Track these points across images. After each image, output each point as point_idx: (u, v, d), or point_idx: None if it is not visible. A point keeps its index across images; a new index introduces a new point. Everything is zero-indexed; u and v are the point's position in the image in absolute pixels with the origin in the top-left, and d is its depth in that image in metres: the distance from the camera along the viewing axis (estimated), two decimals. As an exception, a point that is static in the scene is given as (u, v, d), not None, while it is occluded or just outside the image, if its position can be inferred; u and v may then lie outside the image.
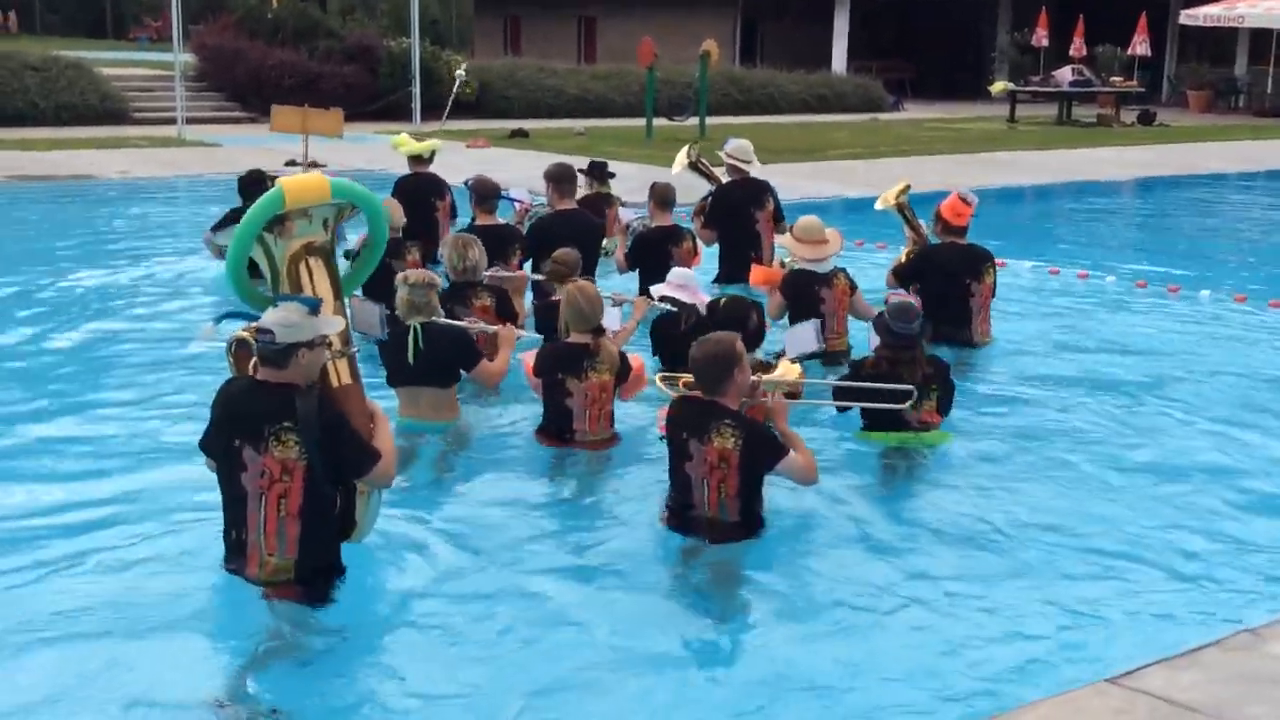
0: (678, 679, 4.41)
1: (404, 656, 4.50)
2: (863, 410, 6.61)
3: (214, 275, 10.08)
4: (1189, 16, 33.32)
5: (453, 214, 10.70)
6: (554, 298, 7.47)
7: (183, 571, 5.01)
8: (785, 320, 8.17)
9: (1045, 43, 32.20)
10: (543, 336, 7.21)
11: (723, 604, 5.00)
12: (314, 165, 14.50)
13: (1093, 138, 26.57)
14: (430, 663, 4.46)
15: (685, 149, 10.17)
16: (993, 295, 8.82)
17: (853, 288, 8.24)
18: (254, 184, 9.93)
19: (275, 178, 9.90)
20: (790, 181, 16.68)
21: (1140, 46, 31.18)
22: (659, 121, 25.78)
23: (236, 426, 4.58)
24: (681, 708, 4.23)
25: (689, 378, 5.64)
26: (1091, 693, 4.24)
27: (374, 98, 26.13)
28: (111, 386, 7.60)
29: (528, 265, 9.12)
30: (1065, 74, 30.90)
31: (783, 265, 8.72)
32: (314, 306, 4.62)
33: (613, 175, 10.92)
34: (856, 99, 34.57)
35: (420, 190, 10.47)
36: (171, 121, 22.63)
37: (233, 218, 10.17)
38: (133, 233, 12.27)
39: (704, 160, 10.85)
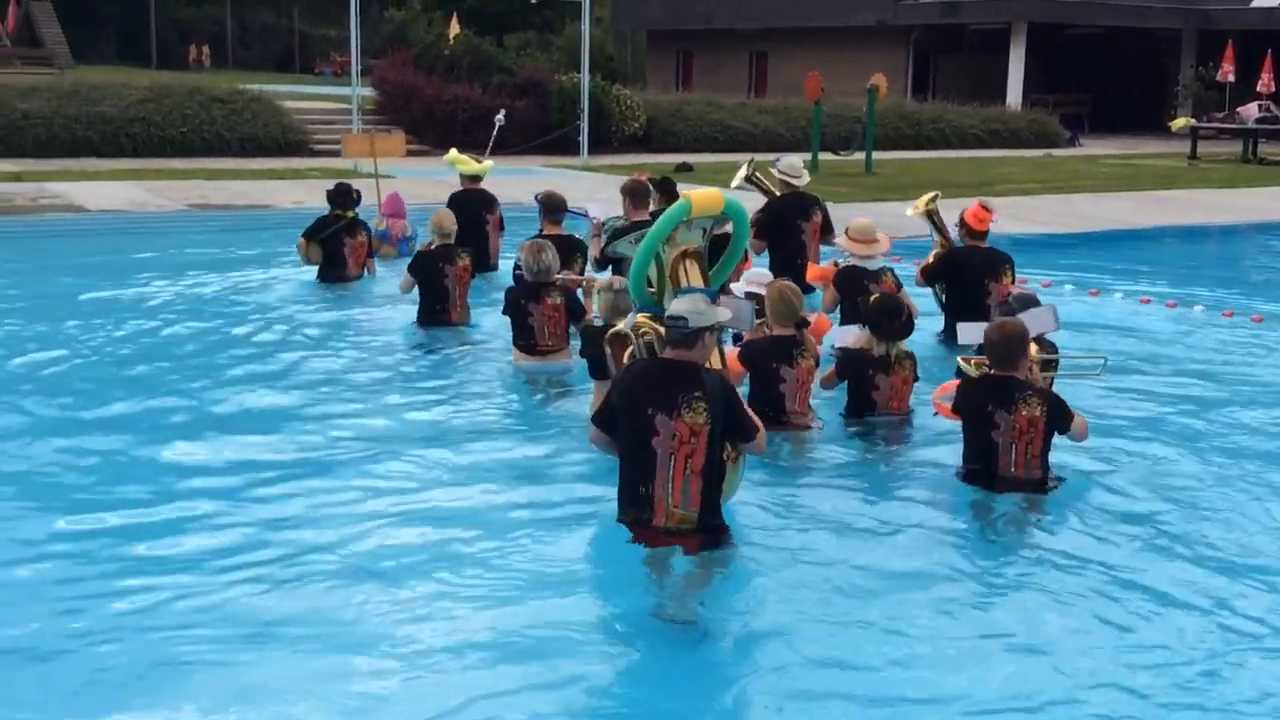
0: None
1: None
2: None
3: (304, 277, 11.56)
4: (1388, 50, 31.84)
5: (501, 227, 11.95)
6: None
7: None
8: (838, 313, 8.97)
9: (1231, 78, 31.11)
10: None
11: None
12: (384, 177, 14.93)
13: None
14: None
15: (744, 165, 10.91)
16: None
17: (898, 285, 8.88)
18: (341, 195, 11.57)
19: (359, 191, 11.68)
20: (951, 216, 16.44)
21: (1333, 82, 29.91)
22: (825, 155, 25.67)
23: (651, 397, 5.35)
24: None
25: (980, 359, 6.63)
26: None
27: (544, 131, 26.58)
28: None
29: (590, 270, 10.12)
30: (1251, 110, 29.81)
31: (836, 265, 9.57)
32: (713, 297, 5.56)
33: (678, 197, 11.11)
34: (1031, 134, 33.88)
35: (472, 204, 11.71)
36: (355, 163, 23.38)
37: (322, 224, 11.56)
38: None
39: (759, 175, 11.52)
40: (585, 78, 26.13)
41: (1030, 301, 7.44)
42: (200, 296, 11.12)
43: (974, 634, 4.96)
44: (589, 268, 10.38)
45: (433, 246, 9.99)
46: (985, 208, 9.62)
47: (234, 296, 11.14)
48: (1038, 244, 15.90)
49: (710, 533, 5.41)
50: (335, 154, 22.80)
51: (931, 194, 10.37)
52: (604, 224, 10.49)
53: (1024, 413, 6.23)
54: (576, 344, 8.29)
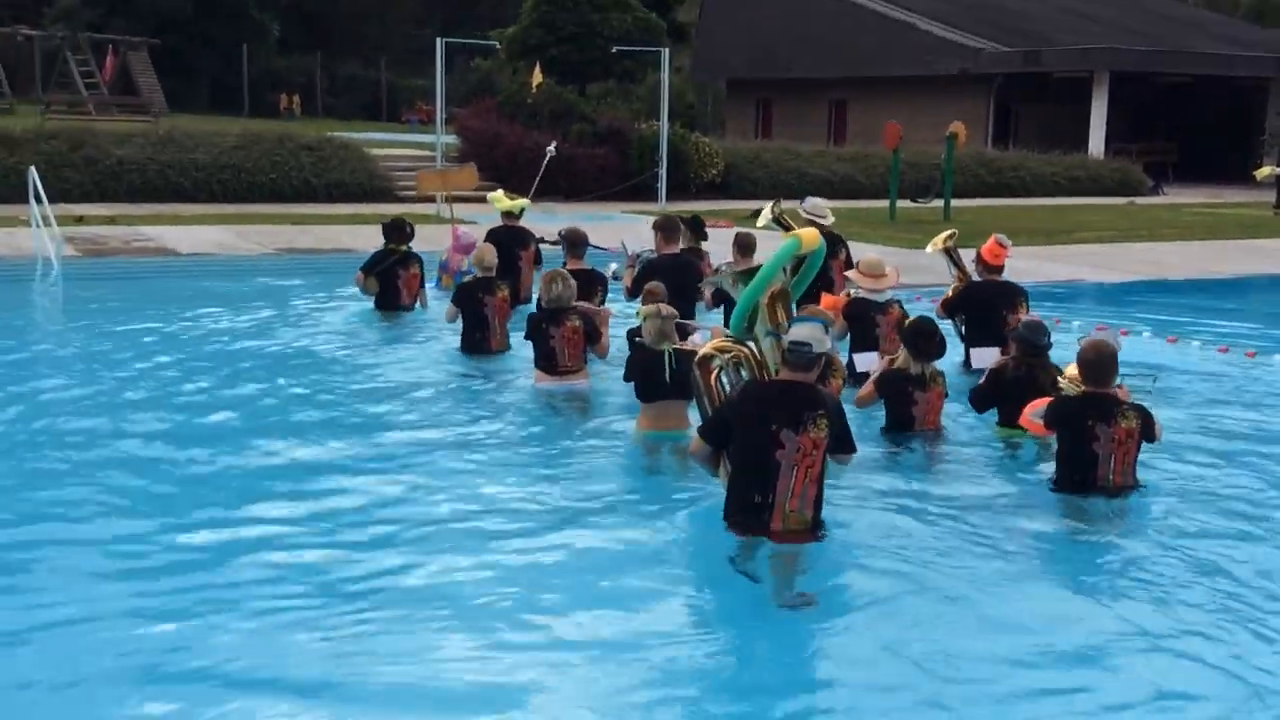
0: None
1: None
2: (1000, 409, 8.09)
3: (361, 308, 12.46)
4: None
5: (537, 260, 12.47)
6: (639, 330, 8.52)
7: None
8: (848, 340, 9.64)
9: (1318, 125, 30.65)
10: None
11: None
12: (459, 223, 15.10)
13: (1369, 224, 25.08)
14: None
15: (769, 205, 11.21)
16: None
17: (905, 316, 9.37)
18: (395, 230, 12.30)
19: (412, 225, 12.43)
20: (1031, 265, 16.43)
21: None
22: (903, 203, 25.67)
23: (776, 415, 6.00)
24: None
25: (1074, 373, 7.26)
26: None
27: (624, 178, 26.89)
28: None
29: (607, 302, 10.76)
30: (1339, 158, 29.29)
31: (847, 295, 10.09)
32: (827, 326, 6.20)
33: (706, 236, 12.26)
34: (1113, 182, 33.61)
35: (510, 240, 12.26)
36: (432, 200, 23.81)
37: (378, 259, 12.28)
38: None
39: (785, 216, 11.84)
40: (664, 126, 26.42)
41: (1038, 327, 8.16)
42: (264, 326, 11.86)
43: (1087, 629, 5.39)
44: (622, 295, 11.15)
45: (474, 278, 10.79)
46: (1001, 243, 10.14)
47: (297, 327, 11.89)
48: (1117, 291, 15.84)
49: (815, 529, 6.15)
50: (421, 199, 23.23)
51: (949, 232, 11.02)
52: (639, 256, 11.22)
53: (1122, 425, 6.88)
54: (594, 365, 9.52)
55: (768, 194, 28.57)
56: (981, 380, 8.29)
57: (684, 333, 8.57)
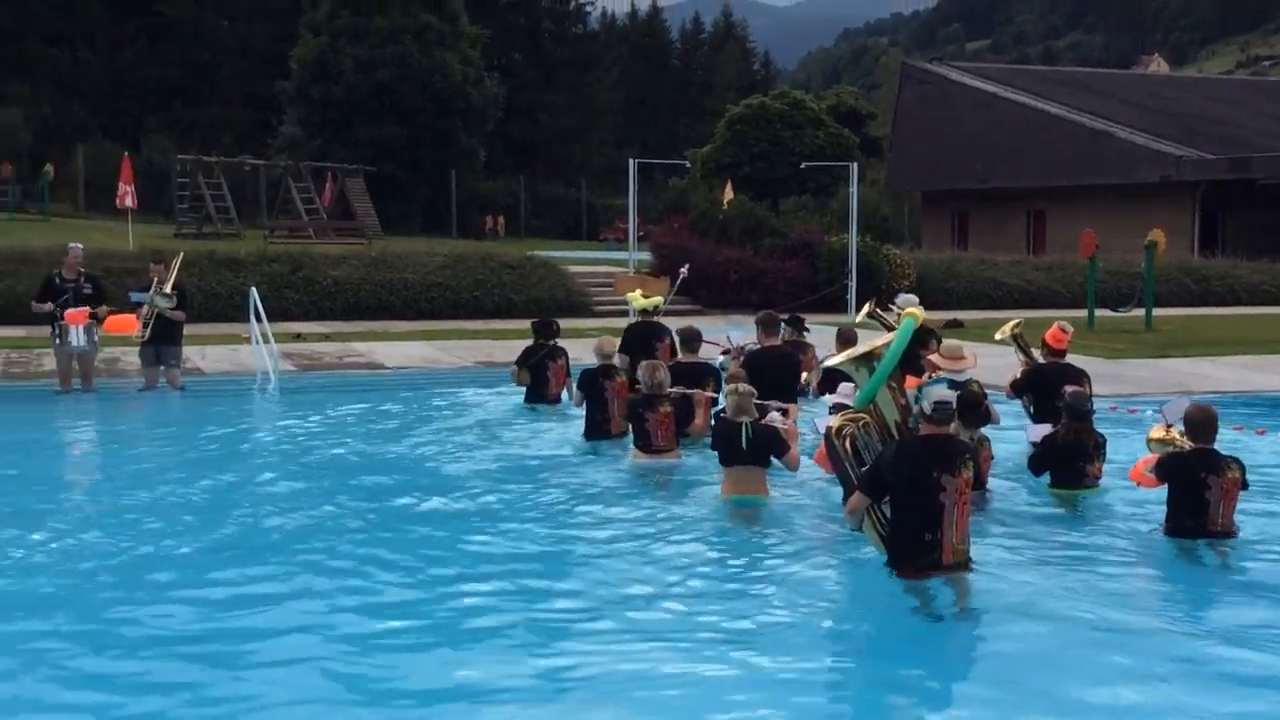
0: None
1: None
2: (1052, 471, 9.46)
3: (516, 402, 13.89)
4: None
5: (672, 353, 13.18)
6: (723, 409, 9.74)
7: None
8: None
9: None
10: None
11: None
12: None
13: None
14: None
15: (867, 304, 12.01)
16: None
17: (983, 394, 9.99)
18: (544, 326, 13.77)
19: (558, 323, 13.96)
20: (1238, 375, 16.06)
21: None
22: (1103, 312, 25.22)
23: (936, 463, 7.00)
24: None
25: (1173, 434, 8.56)
26: None
27: (813, 290, 27.13)
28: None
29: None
30: None
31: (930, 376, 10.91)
32: (956, 387, 7.69)
33: (808, 329, 13.68)
34: (1328, 289, 32.33)
35: (646, 334, 13.38)
36: (625, 314, 24.47)
37: (530, 352, 13.61)
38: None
39: (879, 312, 12.52)
40: (853, 238, 26.63)
41: (1082, 396, 9.52)
42: (430, 417, 13.50)
43: (1215, 662, 6.20)
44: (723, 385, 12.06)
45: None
46: (1063, 329, 11.09)
47: (463, 416, 13.55)
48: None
49: (970, 560, 7.17)
50: (613, 313, 23.89)
51: (1015, 320, 12.07)
52: (743, 349, 12.21)
53: (1229, 475, 8.05)
54: (687, 443, 10.76)
55: (962, 304, 28.47)
56: (1037, 449, 9.58)
57: (763, 411, 9.52)
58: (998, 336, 12.04)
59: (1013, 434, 10.82)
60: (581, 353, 13.40)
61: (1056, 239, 40.23)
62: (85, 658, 6.23)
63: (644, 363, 10.87)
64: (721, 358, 13.05)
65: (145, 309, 14.73)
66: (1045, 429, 9.80)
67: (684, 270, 20.33)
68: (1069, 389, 9.75)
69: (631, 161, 28.09)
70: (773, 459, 9.20)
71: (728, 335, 13.31)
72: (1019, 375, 11.35)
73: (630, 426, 10.74)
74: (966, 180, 45.68)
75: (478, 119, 54.57)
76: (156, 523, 8.82)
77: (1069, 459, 9.33)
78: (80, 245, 15.77)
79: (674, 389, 10.69)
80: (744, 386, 9.31)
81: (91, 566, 7.77)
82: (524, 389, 13.61)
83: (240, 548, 8.23)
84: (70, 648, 6.35)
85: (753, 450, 9.04)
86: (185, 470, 10.65)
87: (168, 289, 14.85)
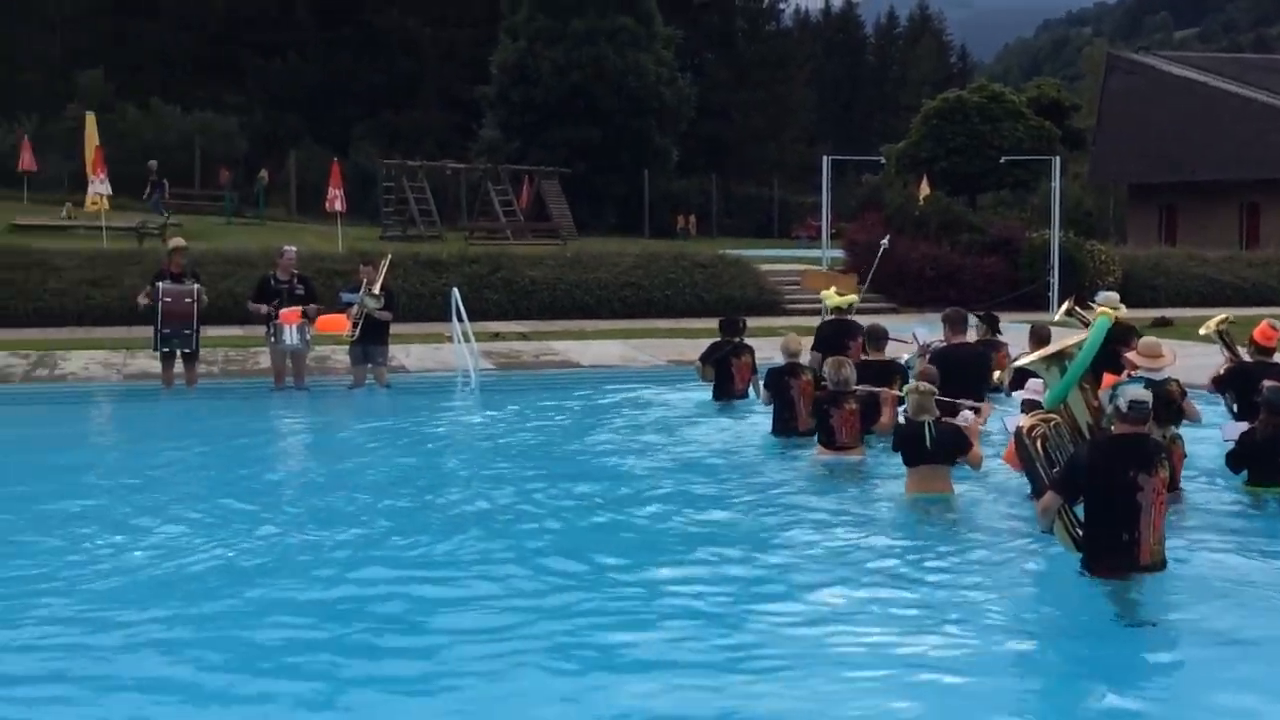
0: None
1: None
2: (1250, 467, 9.37)
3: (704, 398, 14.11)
4: None
5: (863, 351, 13.03)
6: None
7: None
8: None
9: None
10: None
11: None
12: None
13: None
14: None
15: (1067, 301, 12.08)
16: None
17: (1183, 393, 10.00)
18: (730, 324, 14.14)
19: (745, 320, 14.49)
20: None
21: None
22: (1321, 309, 24.10)
23: (1132, 463, 6.97)
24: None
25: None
26: None
27: (1012, 286, 26.58)
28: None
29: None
30: None
31: (1129, 374, 10.62)
32: (1151, 386, 7.66)
33: (1000, 331, 13.83)
34: None
35: (838, 332, 13.38)
36: (817, 312, 24.36)
37: (715, 349, 13.97)
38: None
39: (1078, 310, 12.61)
40: (1055, 234, 26.00)
41: (1279, 390, 9.40)
42: (620, 413, 13.87)
43: None
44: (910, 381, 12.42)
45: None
46: (1273, 326, 10.94)
47: (652, 411, 13.87)
48: None
49: (1165, 560, 7.13)
50: (805, 311, 23.82)
51: (1222, 316, 12.03)
52: (929, 346, 12.34)
53: None
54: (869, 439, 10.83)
55: (1170, 301, 27.54)
56: (1234, 445, 9.53)
57: (951, 410, 9.61)
58: (1202, 331, 12.04)
59: (1206, 432, 10.59)
60: (771, 351, 13.50)
61: (1272, 234, 38.53)
62: (318, 631, 6.68)
63: (830, 359, 11.02)
64: (906, 356, 13.10)
65: (355, 309, 15.33)
66: (1242, 426, 9.83)
67: (885, 241, 20.23)
68: (1267, 383, 9.70)
69: (825, 158, 27.95)
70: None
71: (914, 333, 13.41)
72: (1222, 371, 11.31)
73: (816, 424, 10.90)
74: (1173, 173, 44.07)
75: (671, 119, 54.89)
76: (381, 500, 9.65)
77: (1267, 455, 9.25)
78: (294, 248, 16.52)
79: (860, 386, 10.79)
80: (924, 385, 9.39)
81: (340, 539, 8.46)
82: (712, 385, 13.90)
83: (460, 530, 8.67)
84: (310, 624, 6.79)
85: (937, 448, 9.13)
86: (398, 455, 11.62)
87: (376, 290, 15.43)
